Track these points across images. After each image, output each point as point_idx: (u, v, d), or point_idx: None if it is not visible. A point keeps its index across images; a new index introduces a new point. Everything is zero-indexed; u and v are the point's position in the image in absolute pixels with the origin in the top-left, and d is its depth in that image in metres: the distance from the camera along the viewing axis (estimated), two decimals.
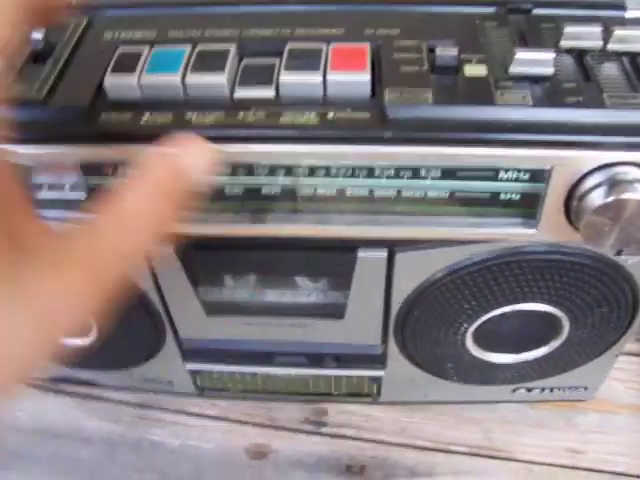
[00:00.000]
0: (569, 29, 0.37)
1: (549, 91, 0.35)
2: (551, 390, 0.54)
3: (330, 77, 0.36)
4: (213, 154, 0.29)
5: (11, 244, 0.23)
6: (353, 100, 0.36)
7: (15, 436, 0.59)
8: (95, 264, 0.25)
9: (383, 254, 0.41)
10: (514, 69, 0.36)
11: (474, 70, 0.37)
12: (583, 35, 0.37)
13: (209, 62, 0.37)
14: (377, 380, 0.53)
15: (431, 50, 0.37)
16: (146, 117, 0.36)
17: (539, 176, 0.36)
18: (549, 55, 0.35)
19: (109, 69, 0.37)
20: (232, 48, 0.37)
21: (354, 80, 0.36)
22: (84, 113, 0.36)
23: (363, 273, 0.42)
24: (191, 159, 0.28)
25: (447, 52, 0.36)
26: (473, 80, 0.36)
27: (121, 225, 0.26)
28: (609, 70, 0.37)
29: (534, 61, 0.35)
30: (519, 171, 0.36)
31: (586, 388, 0.54)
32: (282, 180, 0.37)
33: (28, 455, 0.57)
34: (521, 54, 0.35)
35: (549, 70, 0.35)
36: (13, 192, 0.24)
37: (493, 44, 0.38)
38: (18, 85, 0.37)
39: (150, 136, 0.35)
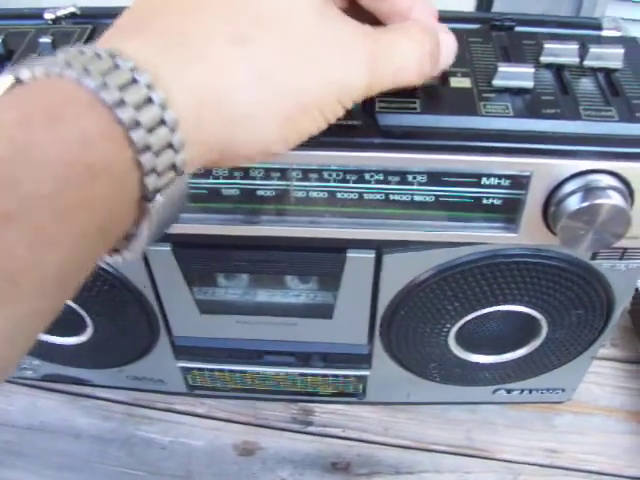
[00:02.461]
0: (549, 46, 0.40)
1: (529, 103, 0.38)
2: (530, 392, 0.56)
3: None
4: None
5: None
6: None
7: (7, 432, 0.60)
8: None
9: (371, 255, 0.43)
10: (497, 82, 0.38)
11: (459, 82, 0.39)
12: (562, 52, 0.40)
13: None
14: (363, 380, 0.55)
15: None
16: None
17: (519, 183, 0.38)
18: (529, 69, 0.38)
19: None
20: None
21: None
22: None
23: (352, 273, 0.44)
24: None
25: None
26: (458, 91, 0.38)
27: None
28: (585, 85, 0.39)
29: (515, 74, 0.38)
30: (500, 177, 0.38)
31: (563, 390, 0.56)
32: (276, 183, 0.39)
33: (20, 451, 0.58)
34: (503, 68, 0.38)
35: (529, 83, 0.38)
36: None
37: (478, 58, 0.40)
38: None
39: None
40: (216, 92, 0.26)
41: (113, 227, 0.24)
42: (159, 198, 0.25)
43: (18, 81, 0.23)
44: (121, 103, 0.23)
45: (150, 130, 0.23)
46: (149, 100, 0.24)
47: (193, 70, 0.26)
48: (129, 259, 0.27)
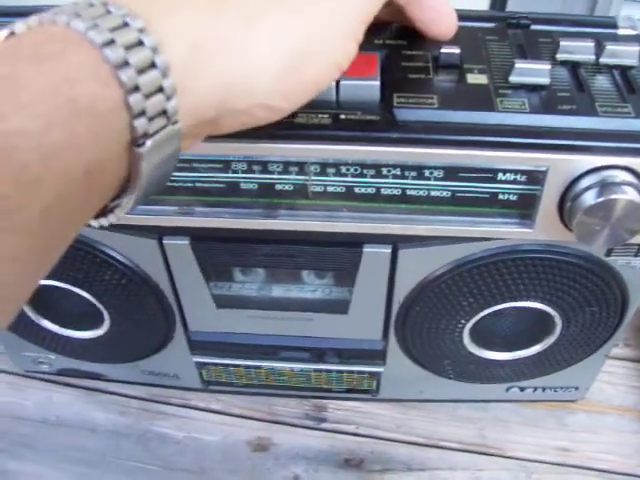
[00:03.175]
0: (565, 43, 0.40)
1: (545, 99, 0.38)
2: (543, 390, 0.56)
3: (343, 82, 0.38)
4: None
5: None
6: (363, 104, 0.38)
7: (22, 426, 0.61)
8: None
9: (387, 250, 0.43)
10: (513, 78, 0.38)
11: (476, 79, 0.39)
12: (577, 49, 0.40)
13: None
14: (376, 376, 0.55)
15: (435, 59, 0.40)
16: None
17: (535, 178, 0.38)
18: (546, 66, 0.38)
19: None
20: None
21: (365, 85, 0.38)
22: None
23: (368, 268, 0.44)
24: None
25: (450, 51, 0.39)
26: (475, 87, 0.39)
27: None
28: (601, 82, 0.39)
29: (532, 71, 0.38)
30: (516, 173, 0.39)
31: (577, 388, 0.56)
32: (294, 177, 0.40)
33: (36, 445, 0.59)
34: (520, 64, 0.38)
35: (546, 80, 0.38)
36: None
37: (494, 56, 0.41)
38: None
39: None
40: (207, 37, 0.26)
41: (101, 173, 0.24)
42: (149, 144, 0.24)
43: (12, 34, 0.23)
44: (110, 43, 0.23)
45: (140, 71, 0.23)
46: (140, 43, 0.24)
47: (184, 15, 0.26)
48: (115, 221, 0.27)
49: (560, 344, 0.50)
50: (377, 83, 0.38)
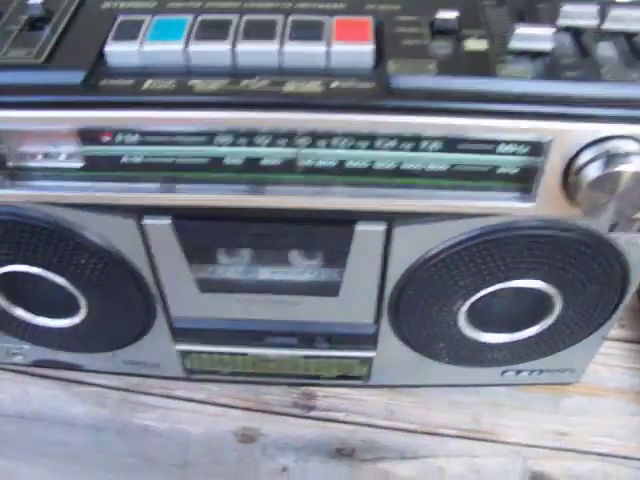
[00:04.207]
0: (566, 8, 0.38)
1: (548, 66, 0.36)
2: (539, 372, 0.55)
3: (334, 48, 0.36)
4: None
5: None
6: (356, 71, 0.36)
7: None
8: None
9: (381, 227, 0.41)
10: (514, 44, 0.36)
11: (475, 45, 0.37)
12: (580, 14, 0.38)
13: (212, 31, 0.37)
14: (368, 361, 0.53)
15: (432, 25, 0.38)
16: (148, 84, 0.36)
17: (538, 150, 0.36)
18: (548, 31, 0.36)
19: (110, 36, 0.37)
20: (234, 18, 0.37)
21: (357, 50, 0.36)
22: (84, 78, 0.35)
23: (360, 247, 0.42)
24: None
25: (447, 16, 0.37)
26: (474, 54, 0.37)
27: None
28: (605, 48, 0.37)
29: (533, 36, 0.36)
30: (518, 144, 0.37)
31: (573, 371, 0.55)
32: (283, 151, 0.37)
33: (13, 441, 0.56)
34: (521, 29, 0.36)
35: (548, 45, 0.36)
36: None
37: (493, 22, 0.39)
38: (16, 50, 0.37)
39: (151, 102, 0.36)
40: None
41: None
42: None
43: None
44: None
45: None
46: None
47: None
48: None
49: (558, 325, 0.48)
50: (371, 47, 0.36)
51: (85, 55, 0.37)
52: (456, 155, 0.37)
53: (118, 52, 0.36)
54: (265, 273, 0.46)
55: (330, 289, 0.46)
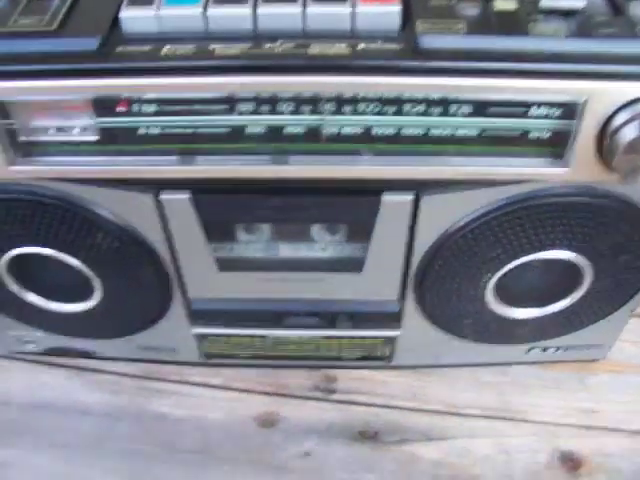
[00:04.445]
0: None
1: (581, 24, 0.35)
2: (565, 349, 0.53)
3: (359, 9, 0.34)
4: None
5: None
6: (383, 32, 0.34)
7: (8, 411, 0.56)
8: None
9: (409, 197, 0.39)
10: (545, 3, 0.35)
11: (504, 4, 0.36)
12: None
13: None
14: (391, 341, 0.52)
15: None
16: (166, 49, 0.34)
17: (571, 112, 0.35)
18: None
19: (125, 2, 0.35)
20: None
21: (384, 11, 0.34)
22: (99, 44, 0.34)
23: (386, 219, 0.41)
24: None
25: None
26: (503, 14, 0.35)
27: None
28: (637, 6, 0.36)
29: None
30: (551, 106, 0.35)
31: (600, 347, 0.54)
32: (307, 118, 0.36)
33: (28, 431, 0.55)
34: None
35: (580, 3, 0.35)
36: None
37: None
38: (28, 18, 0.36)
39: (170, 68, 0.34)
40: None
41: None
42: None
43: None
44: None
45: None
46: None
47: None
48: None
49: (588, 298, 0.47)
50: (398, 8, 0.34)
51: (99, 22, 0.35)
52: (486, 119, 0.36)
53: (134, 18, 0.35)
54: (286, 250, 0.45)
55: (354, 265, 0.45)
